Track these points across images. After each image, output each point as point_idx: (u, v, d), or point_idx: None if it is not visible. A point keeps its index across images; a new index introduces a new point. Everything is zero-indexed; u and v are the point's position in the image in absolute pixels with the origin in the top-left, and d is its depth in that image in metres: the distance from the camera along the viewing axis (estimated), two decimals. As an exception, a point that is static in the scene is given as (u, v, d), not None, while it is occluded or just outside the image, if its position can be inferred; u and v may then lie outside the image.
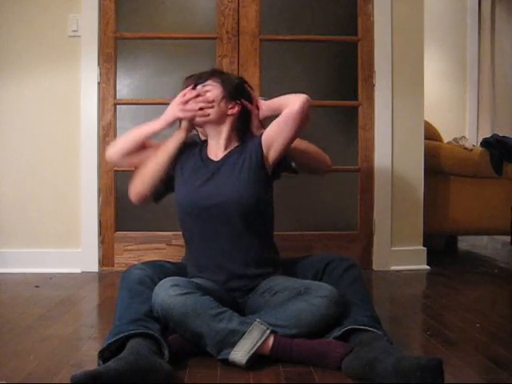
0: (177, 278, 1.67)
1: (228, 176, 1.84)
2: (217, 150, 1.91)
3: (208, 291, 1.68)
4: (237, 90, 1.90)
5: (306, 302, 1.64)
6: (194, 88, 1.90)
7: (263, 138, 1.86)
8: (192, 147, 1.96)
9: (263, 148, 1.85)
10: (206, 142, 1.96)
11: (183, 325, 1.59)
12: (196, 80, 1.94)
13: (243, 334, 1.56)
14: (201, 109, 1.87)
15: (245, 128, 1.93)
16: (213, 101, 1.86)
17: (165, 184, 1.95)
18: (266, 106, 1.95)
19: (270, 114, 1.93)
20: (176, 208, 1.90)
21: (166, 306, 1.58)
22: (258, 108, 1.96)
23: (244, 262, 1.83)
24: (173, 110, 1.91)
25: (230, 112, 1.89)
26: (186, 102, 1.88)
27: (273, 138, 1.84)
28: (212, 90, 1.88)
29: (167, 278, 1.66)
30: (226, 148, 1.90)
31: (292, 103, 1.81)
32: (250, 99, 1.95)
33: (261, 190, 1.86)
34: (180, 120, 1.93)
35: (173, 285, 1.61)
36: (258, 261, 1.85)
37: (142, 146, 1.93)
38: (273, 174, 1.91)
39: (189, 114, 1.88)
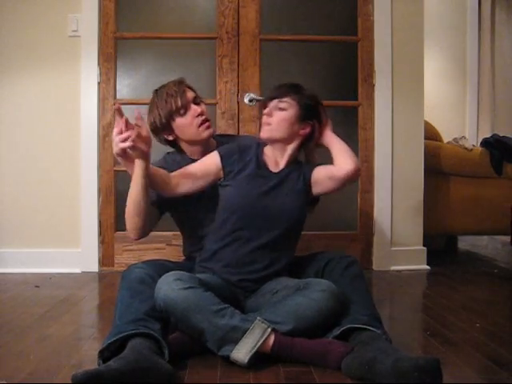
0: (180, 272, 1.67)
1: (288, 193, 1.87)
2: (277, 161, 1.92)
3: (211, 288, 1.67)
4: (311, 112, 1.89)
5: (304, 296, 1.65)
6: (270, 100, 1.87)
7: (313, 174, 1.89)
8: (245, 151, 1.93)
9: (311, 181, 1.89)
10: (261, 146, 1.95)
11: (185, 319, 1.59)
12: (275, 91, 1.90)
13: (245, 332, 1.56)
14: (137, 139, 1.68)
15: (307, 146, 1.95)
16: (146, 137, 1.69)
17: (159, 208, 1.96)
18: (327, 136, 1.92)
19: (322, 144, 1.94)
20: (223, 205, 1.87)
21: (168, 300, 1.58)
22: (321, 132, 1.94)
23: (274, 270, 1.84)
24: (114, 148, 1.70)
25: (301, 132, 1.89)
26: (120, 133, 1.66)
27: (319, 181, 1.88)
28: (288, 108, 1.85)
29: (170, 272, 1.66)
30: (287, 163, 1.91)
31: (343, 167, 1.82)
32: (320, 120, 1.93)
33: (306, 210, 1.92)
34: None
35: (176, 279, 1.61)
36: (279, 264, 1.86)
37: (160, 185, 1.81)
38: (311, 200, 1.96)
39: (126, 145, 1.65)
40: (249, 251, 1.82)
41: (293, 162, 1.93)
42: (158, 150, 2.11)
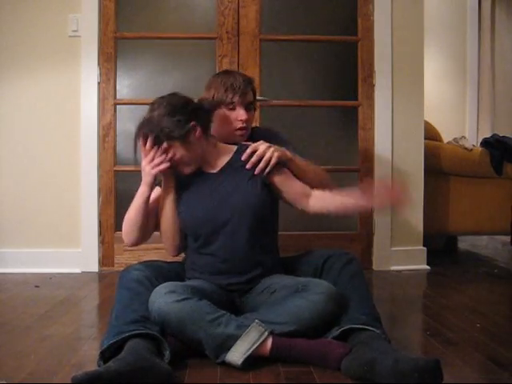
0: (173, 283, 1.66)
1: (235, 184, 1.82)
2: (213, 164, 1.87)
3: (205, 294, 1.67)
4: (185, 125, 1.75)
5: (303, 298, 1.65)
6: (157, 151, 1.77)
7: (275, 183, 1.84)
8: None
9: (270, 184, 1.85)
10: None
11: (181, 331, 1.58)
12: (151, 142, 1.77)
13: None
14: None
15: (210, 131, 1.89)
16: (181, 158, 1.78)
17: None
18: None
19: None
20: (184, 224, 1.85)
21: (162, 313, 1.58)
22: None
23: (255, 265, 1.82)
24: (146, 172, 1.80)
25: (197, 138, 1.79)
26: (153, 159, 1.77)
27: (285, 192, 1.87)
28: (175, 151, 1.77)
29: (163, 285, 1.64)
30: (216, 159, 1.86)
31: (311, 209, 1.86)
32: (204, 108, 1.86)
33: (266, 192, 1.85)
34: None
35: (168, 291, 1.60)
36: (266, 262, 1.84)
37: (149, 213, 1.86)
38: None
39: (163, 167, 1.77)
40: (230, 255, 1.79)
41: (226, 153, 1.87)
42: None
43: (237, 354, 1.54)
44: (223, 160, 1.87)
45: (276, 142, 1.91)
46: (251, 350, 1.54)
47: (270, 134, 2.12)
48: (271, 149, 1.83)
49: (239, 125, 1.99)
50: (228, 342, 1.55)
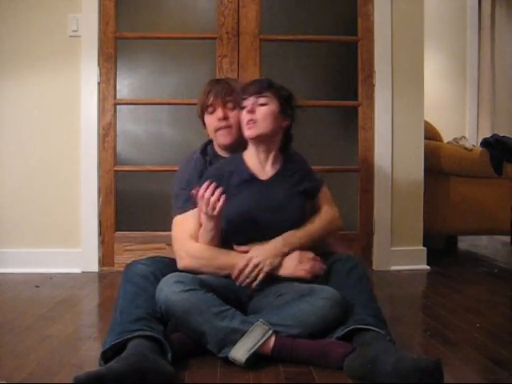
0: (181, 274, 1.67)
1: (284, 195, 1.87)
2: (263, 165, 1.90)
3: (213, 288, 1.67)
4: (289, 104, 1.89)
5: (308, 303, 1.65)
6: (247, 97, 1.86)
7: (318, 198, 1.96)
8: (226, 164, 1.93)
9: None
10: (241, 157, 1.92)
11: (185, 322, 1.59)
12: (251, 88, 1.87)
13: (244, 333, 1.56)
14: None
15: (288, 141, 1.96)
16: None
17: None
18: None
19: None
20: (230, 219, 1.82)
21: (169, 302, 1.59)
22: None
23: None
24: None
25: (284, 124, 1.89)
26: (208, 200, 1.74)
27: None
28: (269, 103, 1.85)
29: (172, 274, 1.66)
30: (273, 163, 1.90)
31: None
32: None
33: (304, 203, 1.92)
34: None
35: (177, 281, 1.61)
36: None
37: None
38: None
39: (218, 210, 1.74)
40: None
41: (280, 161, 1.92)
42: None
43: (241, 352, 1.54)
44: (269, 165, 1.90)
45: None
46: (255, 347, 1.54)
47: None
48: (266, 262, 1.79)
49: (219, 124, 1.99)
50: (232, 336, 1.55)
